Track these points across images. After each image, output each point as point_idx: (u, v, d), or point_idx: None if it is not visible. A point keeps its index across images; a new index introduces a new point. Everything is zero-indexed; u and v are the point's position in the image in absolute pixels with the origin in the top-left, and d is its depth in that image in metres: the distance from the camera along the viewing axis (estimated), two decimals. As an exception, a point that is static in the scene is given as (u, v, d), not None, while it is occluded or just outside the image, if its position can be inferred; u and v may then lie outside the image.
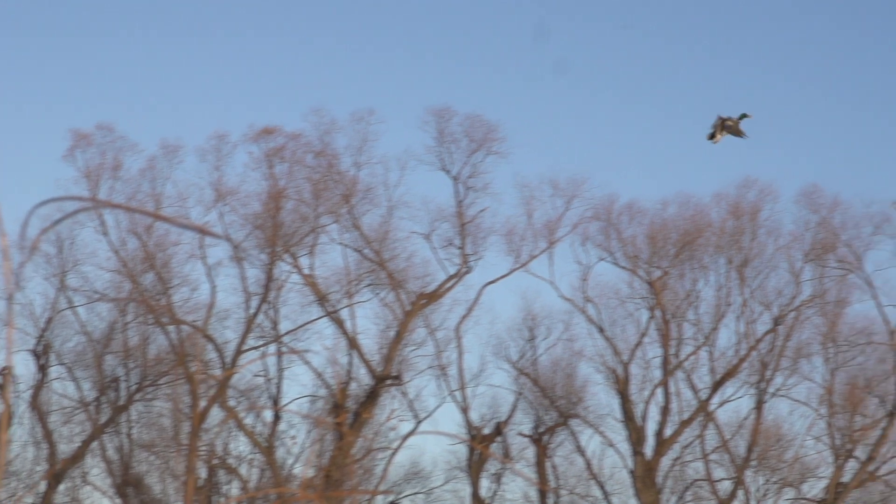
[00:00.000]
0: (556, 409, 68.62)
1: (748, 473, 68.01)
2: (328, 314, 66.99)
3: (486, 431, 68.48)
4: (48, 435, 66.50)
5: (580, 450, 69.01)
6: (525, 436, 69.18)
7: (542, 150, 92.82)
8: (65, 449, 67.17)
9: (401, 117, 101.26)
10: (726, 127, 34.06)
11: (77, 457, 66.61)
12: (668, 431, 67.21)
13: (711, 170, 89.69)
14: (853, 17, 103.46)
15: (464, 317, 67.92)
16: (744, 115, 34.22)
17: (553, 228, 67.90)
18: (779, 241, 68.25)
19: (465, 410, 68.15)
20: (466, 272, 67.73)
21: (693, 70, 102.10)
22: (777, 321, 67.76)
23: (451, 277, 67.53)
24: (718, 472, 68.38)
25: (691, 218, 68.05)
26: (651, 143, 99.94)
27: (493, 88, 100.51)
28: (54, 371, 67.93)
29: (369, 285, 67.91)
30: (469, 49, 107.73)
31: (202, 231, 68.50)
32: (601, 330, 68.50)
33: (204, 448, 67.00)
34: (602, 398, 69.20)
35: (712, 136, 34.17)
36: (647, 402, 67.74)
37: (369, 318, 68.21)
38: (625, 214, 68.29)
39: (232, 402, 67.95)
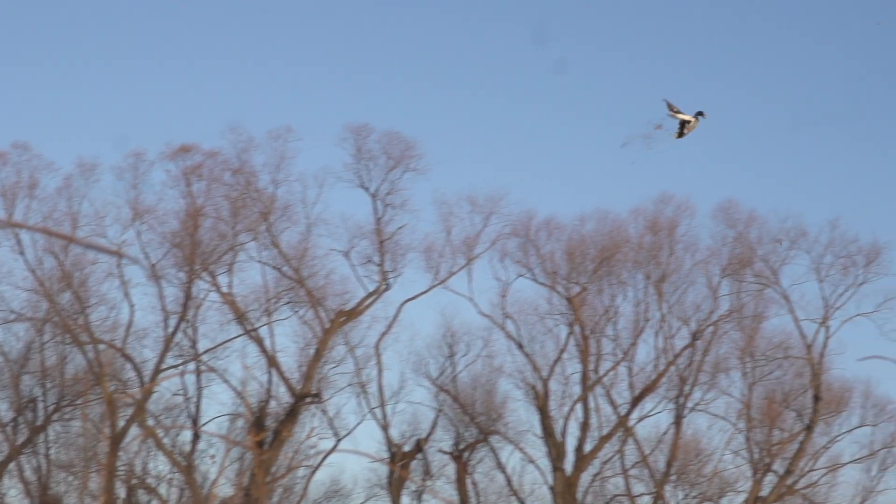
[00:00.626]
0: (476, 425, 68.87)
1: (668, 488, 68.49)
2: (247, 332, 67.01)
3: (407, 448, 68.66)
4: (-37, 457, 66.13)
5: (500, 466, 69.32)
6: (445, 452, 69.41)
7: (461, 167, 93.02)
8: (-20, 471, 66.74)
9: (319, 134, 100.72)
10: (684, 125, 34.23)
11: (-7, 478, 66.25)
12: (587, 447, 67.62)
13: (629, 185, 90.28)
14: (767, 36, 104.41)
15: (383, 334, 68.14)
16: (700, 114, 34.43)
17: (472, 245, 68.24)
18: (696, 257, 68.93)
19: (385, 428, 68.30)
20: (385, 289, 67.96)
21: (608, 83, 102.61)
22: (695, 336, 68.34)
23: (370, 294, 67.72)
24: (638, 488, 68.91)
25: (609, 234, 68.56)
26: (569, 159, 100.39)
27: (413, 104, 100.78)
28: (-31, 392, 67.58)
29: (288, 303, 68.01)
30: (388, 65, 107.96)
31: (114, 254, 68.37)
32: (520, 346, 68.86)
33: (123, 468, 66.84)
34: (522, 414, 69.59)
35: (680, 135, 34.37)
36: (567, 418, 68.15)
37: (288, 336, 68.27)
38: (543, 230, 68.76)
39: (151, 422, 67.81)
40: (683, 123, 32.16)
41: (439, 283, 68.32)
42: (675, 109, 32.23)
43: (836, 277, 68.19)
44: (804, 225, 68.53)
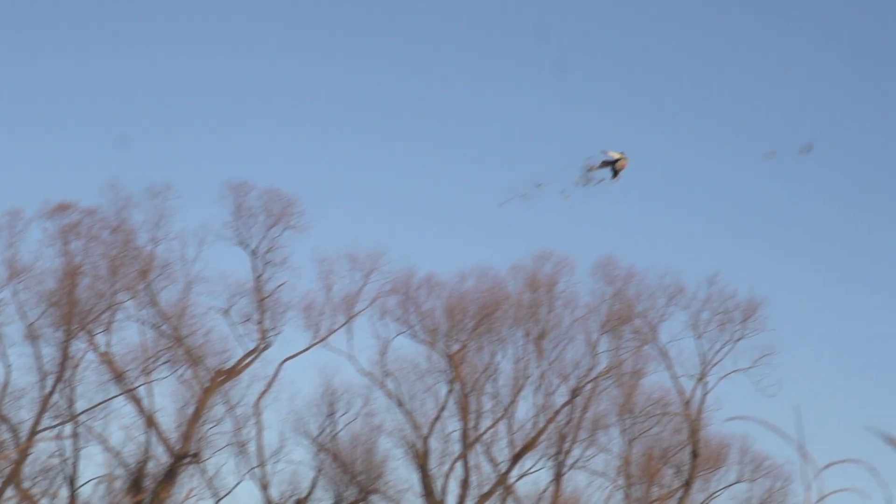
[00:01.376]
0: (356, 484, 68.92)
1: (548, 545, 68.84)
2: (125, 392, 66.66)
3: (287, 508, 68.51)
4: None
5: (380, 524, 69.32)
6: (325, 512, 69.36)
7: (341, 224, 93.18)
8: None
9: (198, 192, 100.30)
10: (613, 166, 34.57)
11: None
12: (467, 505, 67.86)
13: (509, 241, 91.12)
14: (648, 112, 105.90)
15: (263, 393, 68.06)
16: (621, 156, 34.82)
17: (352, 303, 68.52)
18: (575, 313, 69.64)
19: (264, 487, 68.13)
20: (265, 347, 67.97)
21: (485, 142, 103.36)
22: (574, 393, 68.95)
23: (249, 353, 67.69)
24: (519, 544, 69.12)
25: (489, 291, 69.15)
26: (450, 215, 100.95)
27: (293, 161, 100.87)
28: None
29: (167, 362, 67.76)
30: (268, 121, 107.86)
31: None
32: (400, 404, 69.08)
33: (-2, 531, 66.06)
34: (402, 473, 69.75)
35: (615, 175, 34.77)
36: (447, 476, 68.41)
37: (167, 396, 68.02)
38: (423, 288, 69.20)
39: (27, 484, 67.12)
40: (615, 166, 32.63)
41: (319, 342, 68.50)
42: (603, 162, 32.72)
43: (714, 333, 69.26)
44: (682, 281, 69.65)
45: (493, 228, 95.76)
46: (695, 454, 68.71)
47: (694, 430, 68.73)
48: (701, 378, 69.23)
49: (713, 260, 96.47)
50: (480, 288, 69.25)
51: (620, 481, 69.08)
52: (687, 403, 69.09)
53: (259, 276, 67.92)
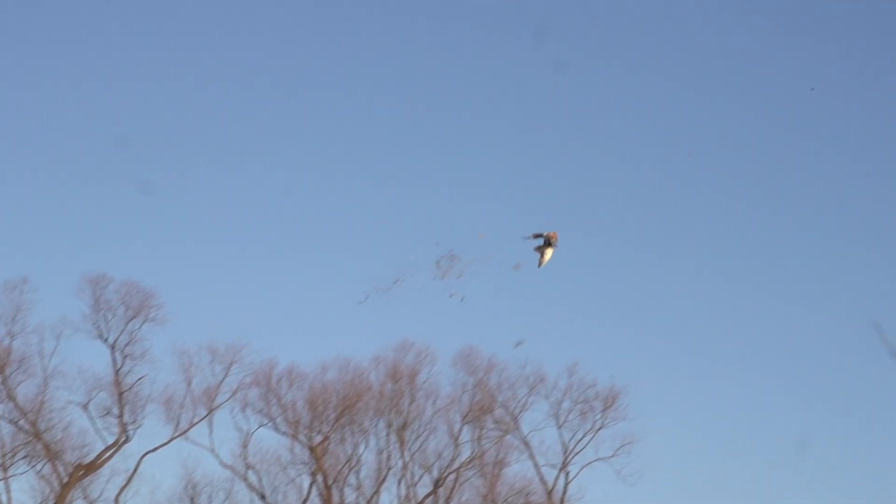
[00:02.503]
0: (218, 578, 68.69)
1: None
2: (-18, 488, 66.23)
3: None
4: None
5: None
6: None
7: (201, 316, 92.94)
8: None
9: (56, 285, 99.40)
10: (546, 242, 35.00)
11: None
12: None
13: (370, 332, 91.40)
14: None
15: (123, 487, 67.84)
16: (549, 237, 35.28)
17: (212, 395, 68.74)
18: (437, 404, 70.32)
19: (126, 582, 67.73)
20: (125, 441, 67.93)
21: (347, 232, 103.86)
22: (438, 483, 69.44)
23: (109, 447, 67.59)
24: None
25: (351, 382, 69.70)
26: (310, 307, 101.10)
27: (152, 254, 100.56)
28: None
29: (25, 457, 67.46)
30: (125, 212, 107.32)
31: None
32: (263, 497, 69.12)
33: None
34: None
35: (548, 244, 35.18)
36: (311, 569, 68.34)
37: (25, 492, 67.55)
38: (285, 379, 69.60)
39: None
40: (545, 246, 33.23)
41: (180, 435, 68.55)
42: (536, 237, 33.37)
43: (575, 423, 70.18)
44: (543, 370, 70.50)
45: (354, 319, 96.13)
46: (558, 543, 69.32)
47: (557, 519, 69.38)
48: (563, 467, 70.05)
49: (573, 349, 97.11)
50: (342, 379, 69.85)
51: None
52: (550, 493, 69.77)
53: (119, 370, 68.07)
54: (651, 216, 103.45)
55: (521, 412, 70.35)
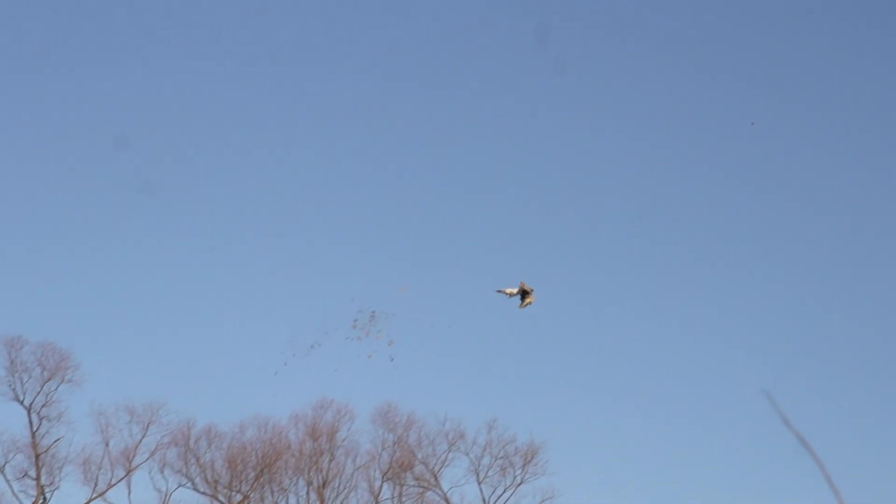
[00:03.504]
0: None
1: None
2: None
3: None
4: None
5: None
6: None
7: (118, 376, 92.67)
8: None
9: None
10: (522, 296, 35.41)
11: None
12: None
13: (289, 390, 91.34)
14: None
15: (40, 550, 67.53)
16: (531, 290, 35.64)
17: (130, 456, 68.79)
18: (357, 461, 70.71)
19: None
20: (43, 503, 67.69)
21: (264, 292, 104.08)
22: (358, 540, 69.69)
23: (26, 510, 67.35)
24: None
25: (270, 440, 69.98)
26: (228, 367, 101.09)
27: (68, 314, 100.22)
28: None
29: (-59, 521, 67.08)
30: (40, 272, 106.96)
31: None
32: (181, 558, 69.07)
33: None
34: None
35: (525, 295, 35.55)
36: None
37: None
38: (203, 439, 69.78)
39: None
40: (523, 295, 33.81)
41: (98, 496, 68.54)
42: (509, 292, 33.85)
43: (495, 478, 70.74)
44: (462, 427, 71.09)
45: (272, 378, 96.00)
46: None
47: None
48: (485, 523, 70.43)
49: (492, 405, 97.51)
50: (261, 438, 70.15)
51: None
52: (469, 549, 70.16)
53: (35, 431, 67.97)
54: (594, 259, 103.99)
55: (441, 468, 70.98)
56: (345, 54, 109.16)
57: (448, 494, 70.59)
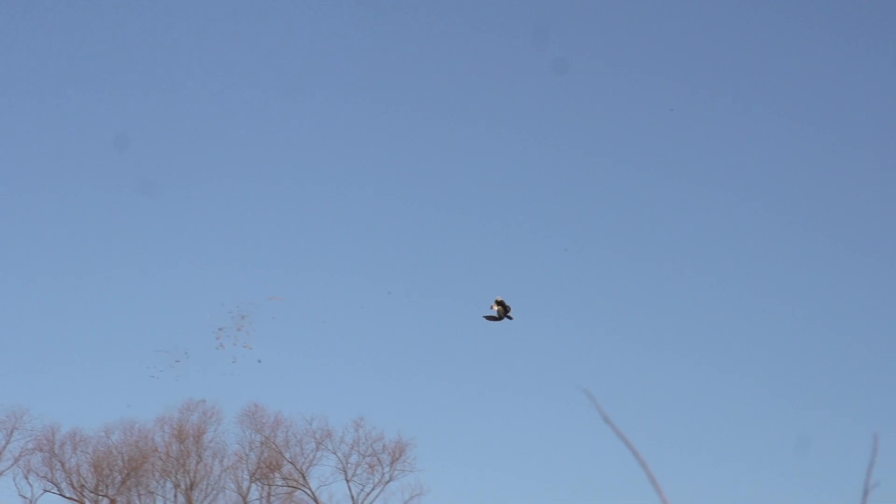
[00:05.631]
0: None
1: None
2: None
3: None
4: None
5: None
6: None
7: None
8: None
9: None
10: (502, 309, 35.89)
11: None
12: None
13: (154, 393, 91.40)
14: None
15: None
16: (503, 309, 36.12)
17: (-6, 462, 68.73)
18: (225, 462, 71.47)
19: None
20: None
21: (129, 300, 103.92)
22: (226, 541, 70.44)
23: None
24: None
25: (136, 443, 70.44)
26: (92, 371, 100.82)
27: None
28: None
29: None
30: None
31: None
32: (47, 563, 69.35)
33: None
34: None
35: (503, 312, 36.05)
36: None
37: None
38: (68, 443, 70.07)
39: None
40: (501, 312, 34.53)
41: (-41, 504, 68.39)
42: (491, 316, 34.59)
43: (364, 476, 71.98)
44: (330, 426, 72.22)
45: (137, 381, 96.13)
46: None
47: (348, 573, 70.94)
48: (353, 521, 71.61)
49: (359, 403, 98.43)
50: (127, 441, 70.64)
51: None
52: (340, 547, 71.30)
53: None
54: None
55: (309, 467, 72.07)
56: (345, 54, 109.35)
57: (317, 493, 71.76)
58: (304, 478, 71.99)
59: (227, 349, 41.86)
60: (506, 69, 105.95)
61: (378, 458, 72.17)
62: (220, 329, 41.84)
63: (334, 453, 72.26)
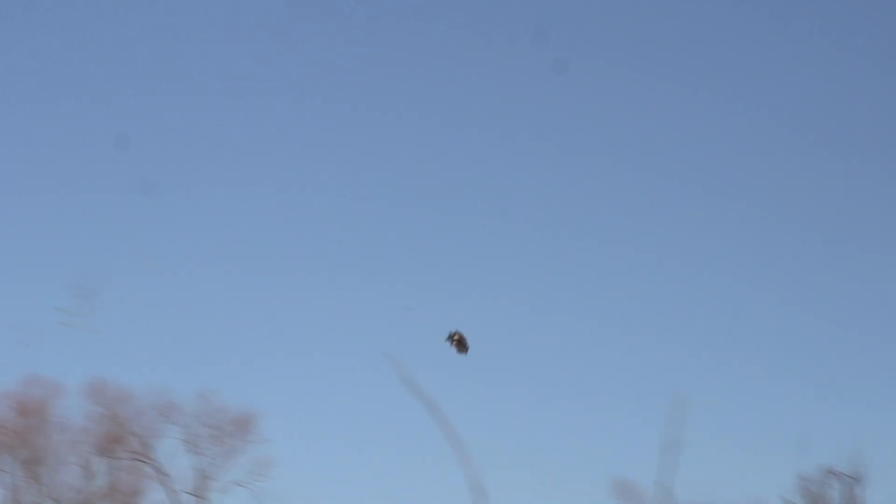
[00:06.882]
0: None
1: None
2: None
3: None
4: None
5: None
6: None
7: None
8: None
9: None
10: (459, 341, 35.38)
11: None
12: None
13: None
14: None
15: None
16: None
17: None
18: (69, 436, 71.02)
19: None
20: None
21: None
22: (71, 517, 70.27)
23: None
24: None
25: (-24, 419, 69.82)
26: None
27: None
28: None
29: None
30: None
31: None
32: None
33: None
34: None
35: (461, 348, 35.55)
36: None
37: None
38: None
39: None
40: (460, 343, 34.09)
41: None
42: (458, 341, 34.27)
43: (210, 449, 72.01)
44: (174, 397, 72.13)
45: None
46: (197, 572, 71.09)
47: (195, 546, 71.16)
48: (200, 494, 71.78)
49: (204, 375, 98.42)
50: (-33, 416, 69.90)
51: None
52: (188, 520, 71.48)
53: None
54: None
55: (154, 441, 71.86)
56: (344, 54, 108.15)
57: (162, 466, 71.67)
58: (149, 451, 71.91)
59: (71, 325, 41.92)
60: (505, 69, 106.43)
61: (224, 430, 72.35)
62: (64, 306, 41.78)
63: (180, 426, 72.32)
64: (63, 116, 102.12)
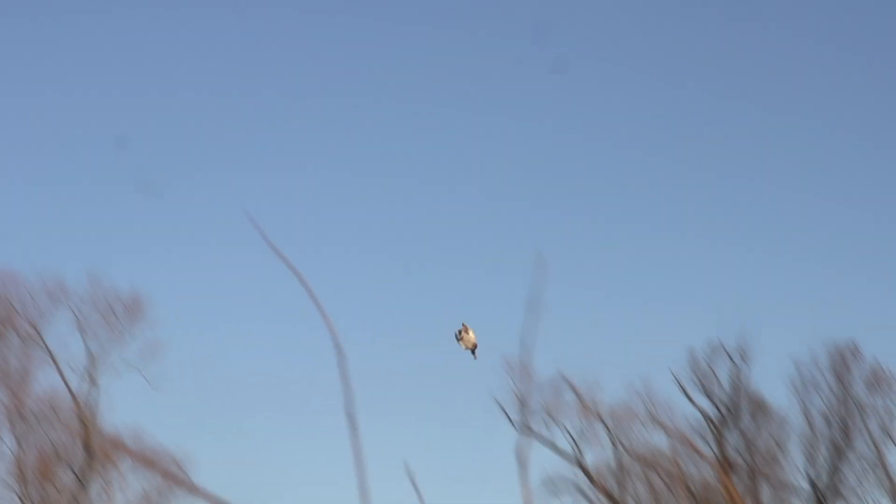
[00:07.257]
0: None
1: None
2: None
3: None
4: None
5: None
6: None
7: None
8: None
9: None
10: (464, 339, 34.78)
11: None
12: None
13: None
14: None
15: None
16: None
17: None
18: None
19: None
20: None
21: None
22: (-40, 401, 69.90)
23: None
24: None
25: None
26: None
27: None
28: None
29: None
30: None
31: None
32: None
33: None
34: None
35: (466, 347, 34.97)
36: None
37: None
38: None
39: None
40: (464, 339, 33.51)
41: None
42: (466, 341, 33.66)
43: (100, 332, 71.73)
44: (63, 279, 71.55)
45: None
46: (89, 454, 71.05)
47: (87, 429, 71.05)
48: (90, 378, 71.65)
49: (94, 255, 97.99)
50: None
51: (15, 484, 70.51)
52: (78, 404, 71.27)
53: None
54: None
55: (43, 323, 71.36)
56: (344, 53, 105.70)
57: (52, 350, 71.30)
58: (39, 334, 71.48)
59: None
60: (505, 68, 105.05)
61: (115, 313, 72.04)
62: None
63: (70, 308, 71.86)
64: (63, 117, 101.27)
